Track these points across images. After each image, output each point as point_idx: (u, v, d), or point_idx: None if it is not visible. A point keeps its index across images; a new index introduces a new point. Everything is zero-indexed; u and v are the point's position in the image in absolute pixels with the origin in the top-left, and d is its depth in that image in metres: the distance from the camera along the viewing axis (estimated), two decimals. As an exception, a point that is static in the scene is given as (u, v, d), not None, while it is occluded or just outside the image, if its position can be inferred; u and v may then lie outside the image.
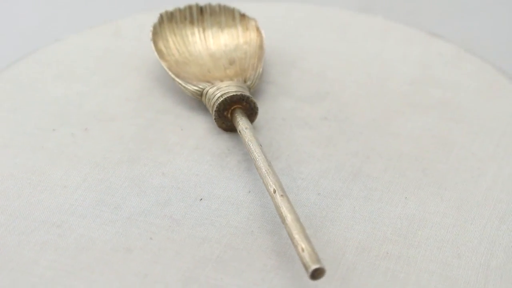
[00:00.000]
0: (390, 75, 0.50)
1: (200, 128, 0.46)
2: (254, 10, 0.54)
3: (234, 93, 0.45)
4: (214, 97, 0.45)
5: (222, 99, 0.44)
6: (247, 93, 0.45)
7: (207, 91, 0.46)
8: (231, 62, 0.49)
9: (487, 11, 0.78)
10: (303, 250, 0.36)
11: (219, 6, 0.52)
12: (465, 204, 0.41)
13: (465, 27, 0.76)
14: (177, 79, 0.47)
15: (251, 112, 0.45)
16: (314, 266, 0.35)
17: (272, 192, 0.39)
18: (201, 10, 0.51)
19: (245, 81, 0.47)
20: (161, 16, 0.50)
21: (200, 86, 0.46)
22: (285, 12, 0.56)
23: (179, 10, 0.51)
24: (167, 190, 0.42)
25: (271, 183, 0.40)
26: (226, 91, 0.45)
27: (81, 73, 0.51)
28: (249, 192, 0.42)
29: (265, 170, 0.40)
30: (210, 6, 0.51)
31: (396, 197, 0.42)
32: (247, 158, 0.44)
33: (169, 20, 0.51)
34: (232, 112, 0.45)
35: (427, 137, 0.45)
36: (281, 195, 0.39)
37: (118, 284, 0.37)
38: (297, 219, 0.38)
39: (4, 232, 0.40)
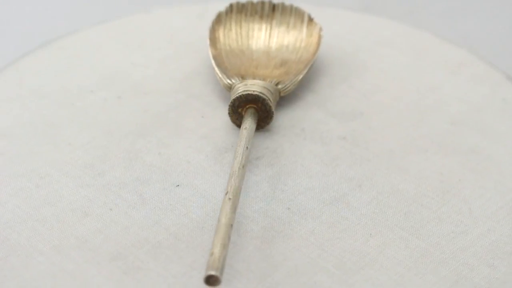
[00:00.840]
0: (436, 110, 0.48)
1: (219, 120, 0.47)
2: (327, 16, 0.53)
3: (251, 93, 0.45)
4: (235, 92, 0.45)
5: (238, 95, 0.45)
6: (265, 96, 0.45)
7: (235, 86, 0.46)
8: (283, 63, 0.49)
9: (491, 12, 0.75)
10: (212, 254, 0.36)
11: (291, 6, 0.51)
12: (427, 257, 0.39)
13: (468, 27, 0.73)
14: (216, 69, 0.48)
15: (266, 115, 0.45)
16: (209, 272, 0.35)
17: (225, 193, 0.39)
18: (273, 7, 0.52)
19: (277, 84, 0.46)
20: (231, 6, 0.51)
21: (232, 80, 0.47)
22: (354, 22, 0.55)
23: (252, 3, 0.52)
24: (153, 170, 0.43)
25: (228, 184, 0.40)
26: (247, 89, 0.45)
27: (146, 46, 0.53)
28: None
29: (233, 172, 0.41)
30: (282, 5, 0.52)
31: (361, 231, 0.40)
32: (252, 156, 0.44)
33: (239, 11, 0.51)
34: (246, 110, 0.45)
35: (434, 181, 0.43)
36: (229, 198, 0.39)
37: (57, 242, 0.40)
38: (228, 225, 0.37)
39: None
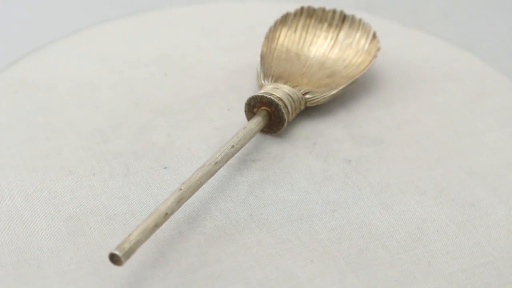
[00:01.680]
0: (462, 156, 0.45)
1: (241, 117, 0.47)
2: (389, 33, 0.51)
3: (266, 95, 0.45)
4: (257, 92, 0.46)
5: (254, 95, 0.45)
6: (281, 102, 0.45)
7: (264, 86, 0.46)
8: (330, 76, 0.49)
9: (489, 12, 0.73)
10: (129, 235, 0.37)
11: (360, 20, 0.51)
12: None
13: (466, 27, 0.72)
14: (258, 67, 0.48)
15: (278, 121, 0.45)
16: (113, 251, 0.36)
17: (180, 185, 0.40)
18: (344, 18, 0.51)
19: (304, 94, 0.46)
20: (301, 9, 0.51)
21: (265, 81, 0.47)
22: (417, 41, 0.52)
23: (323, 10, 0.51)
24: (152, 148, 0.45)
25: (190, 177, 0.40)
26: (266, 92, 0.45)
27: (219, 33, 0.54)
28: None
29: (203, 165, 0.41)
30: (353, 17, 0.51)
31: (305, 255, 0.39)
32: (246, 158, 0.45)
33: (309, 15, 0.51)
34: (259, 112, 0.45)
35: (411, 225, 0.41)
36: (180, 189, 0.40)
37: (31, 191, 0.42)
38: (162, 212, 0.38)
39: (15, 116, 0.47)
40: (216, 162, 0.41)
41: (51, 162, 0.44)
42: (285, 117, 0.45)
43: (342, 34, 0.50)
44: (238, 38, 0.54)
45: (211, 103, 0.48)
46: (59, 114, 0.47)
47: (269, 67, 0.48)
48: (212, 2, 0.58)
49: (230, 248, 0.39)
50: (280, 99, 0.45)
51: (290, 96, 0.45)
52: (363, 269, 0.38)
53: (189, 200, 0.42)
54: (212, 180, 0.43)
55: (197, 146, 0.45)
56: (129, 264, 0.38)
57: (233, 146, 0.42)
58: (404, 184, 0.43)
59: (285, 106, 0.45)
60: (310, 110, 0.47)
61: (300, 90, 0.46)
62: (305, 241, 0.40)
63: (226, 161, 0.42)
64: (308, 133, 0.46)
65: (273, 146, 0.45)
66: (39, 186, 0.43)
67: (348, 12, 0.51)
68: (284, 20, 0.51)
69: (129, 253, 0.36)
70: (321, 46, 0.50)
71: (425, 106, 0.48)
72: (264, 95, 0.45)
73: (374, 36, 0.50)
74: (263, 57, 0.49)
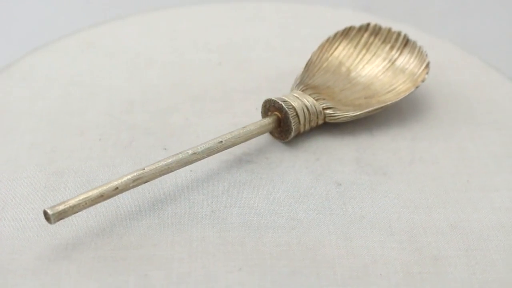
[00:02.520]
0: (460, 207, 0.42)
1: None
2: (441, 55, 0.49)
3: (279, 101, 0.44)
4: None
5: (268, 98, 0.45)
6: (293, 110, 0.44)
7: (291, 93, 0.46)
8: (369, 97, 0.48)
9: (488, 12, 0.72)
10: (70, 199, 0.39)
11: (420, 48, 0.49)
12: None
13: (466, 27, 0.70)
14: (299, 73, 0.48)
15: (287, 129, 0.45)
16: (46, 209, 0.39)
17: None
18: (406, 42, 0.49)
19: (325, 109, 0.45)
20: (367, 25, 0.50)
21: (296, 89, 0.47)
22: (470, 65, 0.49)
23: (389, 30, 0.50)
24: (164, 129, 0.46)
25: (160, 161, 0.42)
26: (283, 97, 0.45)
27: (295, 32, 0.54)
28: (191, 171, 0.44)
29: (180, 152, 0.42)
30: (414, 43, 0.49)
31: (238, 262, 0.39)
32: (243, 158, 0.45)
33: (374, 33, 0.50)
34: (270, 115, 0.45)
35: (361, 262, 0.39)
36: (142, 169, 0.41)
37: (39, 140, 0.45)
38: (111, 187, 0.39)
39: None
40: (194, 153, 0.42)
41: (72, 119, 0.47)
42: (292, 126, 0.44)
43: (400, 58, 0.49)
44: (308, 41, 0.53)
45: (245, 99, 0.48)
46: (106, 79, 0.50)
47: (311, 75, 0.47)
48: (302, 2, 0.57)
49: (174, 237, 0.40)
50: (293, 108, 0.44)
51: (307, 107, 0.44)
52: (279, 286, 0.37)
53: (164, 184, 0.43)
54: (199, 170, 0.44)
55: (207, 136, 0.46)
56: (77, 226, 0.40)
57: (221, 141, 0.43)
58: (378, 221, 0.41)
59: (296, 115, 0.44)
60: (332, 126, 0.46)
61: (322, 104, 0.45)
62: (247, 250, 0.39)
63: (209, 155, 0.42)
64: (317, 148, 0.45)
65: (276, 153, 0.45)
66: (49, 138, 0.46)
67: (410, 36, 0.49)
68: (347, 33, 0.50)
69: (62, 214, 0.38)
70: (377, 67, 0.49)
71: (452, 149, 0.45)
72: (278, 100, 0.44)
73: (427, 66, 0.47)
74: (308, 64, 0.48)
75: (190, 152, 0.42)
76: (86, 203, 0.39)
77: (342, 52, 0.49)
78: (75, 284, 0.37)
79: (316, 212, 0.41)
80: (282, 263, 0.38)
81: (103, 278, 0.38)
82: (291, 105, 0.44)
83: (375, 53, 0.49)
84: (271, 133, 0.45)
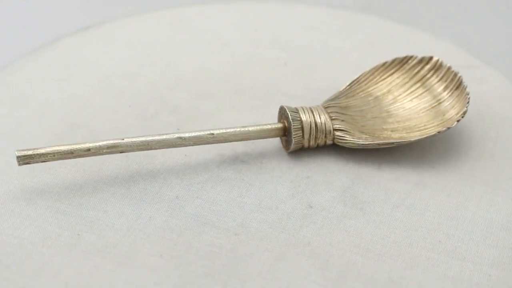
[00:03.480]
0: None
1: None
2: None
3: (289, 111, 0.44)
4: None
5: (283, 106, 0.45)
6: (299, 123, 0.44)
7: (318, 105, 0.46)
8: (395, 131, 0.46)
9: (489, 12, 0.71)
10: (42, 147, 0.42)
11: (467, 94, 0.46)
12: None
13: (466, 27, 0.70)
14: (334, 95, 0.47)
15: (290, 139, 0.45)
16: (16, 150, 0.42)
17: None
18: (458, 85, 0.47)
19: (336, 130, 0.45)
20: (429, 58, 0.48)
21: (325, 103, 0.46)
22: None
23: (448, 68, 0.47)
24: (191, 112, 0.47)
25: (143, 136, 0.43)
26: (300, 109, 0.44)
27: (367, 46, 0.53)
28: (185, 155, 0.45)
29: (164, 133, 0.44)
30: (464, 87, 0.46)
31: (159, 249, 0.40)
32: (239, 156, 0.46)
33: (433, 69, 0.47)
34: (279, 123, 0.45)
35: (272, 286, 0.39)
36: (122, 139, 0.43)
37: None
38: (83, 147, 0.41)
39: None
40: (180, 137, 0.43)
41: (123, 83, 0.50)
42: (293, 138, 0.44)
43: (448, 100, 0.46)
44: (396, 51, 0.51)
45: (283, 102, 0.48)
46: (173, 55, 0.52)
47: (350, 95, 0.46)
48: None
49: (126, 209, 0.41)
50: (300, 121, 0.43)
51: (315, 124, 0.44)
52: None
53: (155, 159, 0.44)
54: (193, 157, 0.44)
55: (218, 125, 0.46)
56: (58, 174, 0.43)
57: (212, 134, 0.43)
58: (320, 252, 0.39)
59: (301, 128, 0.43)
60: (343, 149, 0.45)
61: (335, 125, 0.44)
62: (180, 240, 0.40)
63: (197, 144, 0.43)
64: (315, 166, 0.44)
65: (273, 160, 0.44)
66: (88, 95, 0.49)
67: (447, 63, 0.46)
68: (406, 61, 0.47)
69: (27, 159, 0.41)
70: (424, 103, 0.46)
71: (449, 205, 0.42)
72: (287, 109, 0.44)
73: (464, 114, 0.44)
74: (353, 84, 0.47)
75: (175, 136, 0.43)
76: (54, 155, 0.42)
77: (395, 80, 0.47)
78: (19, 224, 0.40)
79: (268, 226, 0.40)
80: (202, 262, 0.38)
81: (42, 225, 0.40)
82: (299, 117, 0.43)
83: (428, 89, 0.46)
84: (281, 140, 0.45)
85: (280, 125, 0.44)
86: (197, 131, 0.43)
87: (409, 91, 0.46)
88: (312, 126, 0.43)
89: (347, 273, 0.38)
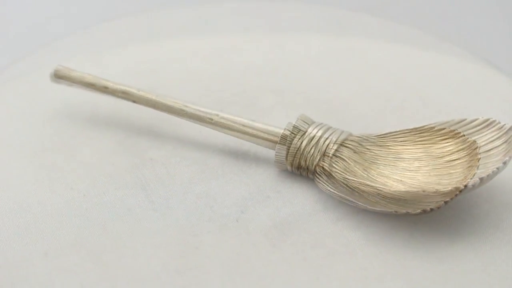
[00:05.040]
0: None
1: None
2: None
3: (298, 124, 0.42)
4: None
5: (302, 116, 0.42)
6: (294, 138, 0.41)
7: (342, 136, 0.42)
8: (403, 183, 0.41)
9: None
10: (75, 71, 0.47)
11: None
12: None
13: (468, 28, 0.69)
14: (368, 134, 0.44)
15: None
16: (55, 66, 0.47)
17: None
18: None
19: (332, 168, 0.41)
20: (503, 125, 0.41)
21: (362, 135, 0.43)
22: None
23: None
24: (238, 102, 0.47)
25: (156, 95, 0.45)
26: (307, 124, 0.42)
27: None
28: (200, 132, 0.47)
29: (173, 98, 0.45)
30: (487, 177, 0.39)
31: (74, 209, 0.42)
32: (238, 153, 0.45)
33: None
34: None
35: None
36: (137, 90, 0.45)
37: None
38: (103, 84, 0.45)
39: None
40: (182, 109, 0.44)
41: (196, 74, 0.51)
42: (275, 155, 0.42)
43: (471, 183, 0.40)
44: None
45: (321, 115, 0.46)
46: (244, 50, 0.52)
47: (386, 139, 0.42)
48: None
49: (114, 166, 0.43)
50: (299, 138, 0.41)
51: (302, 152, 0.41)
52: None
53: (181, 128, 0.45)
54: (210, 138, 0.45)
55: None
56: (91, 104, 0.47)
57: (211, 119, 0.43)
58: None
59: (286, 149, 0.42)
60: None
61: (330, 164, 0.40)
62: (117, 213, 0.40)
63: (196, 121, 0.43)
64: (289, 192, 0.42)
65: (263, 172, 0.43)
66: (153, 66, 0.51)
67: None
68: (429, 131, 0.42)
69: (59, 77, 0.46)
70: (459, 176, 0.40)
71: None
72: (297, 123, 0.41)
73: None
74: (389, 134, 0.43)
75: (181, 104, 0.44)
76: (78, 82, 0.46)
77: (451, 145, 0.41)
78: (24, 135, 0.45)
79: (213, 236, 0.39)
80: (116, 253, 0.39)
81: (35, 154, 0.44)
82: (300, 130, 0.41)
83: (478, 167, 0.40)
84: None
85: (273, 137, 0.42)
86: (202, 108, 0.43)
87: (447, 155, 0.41)
88: (298, 152, 0.41)
89: None
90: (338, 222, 0.40)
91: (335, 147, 0.40)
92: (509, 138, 0.39)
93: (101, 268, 0.37)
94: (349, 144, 0.40)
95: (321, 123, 0.41)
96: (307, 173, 0.41)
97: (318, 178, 0.40)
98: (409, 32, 0.55)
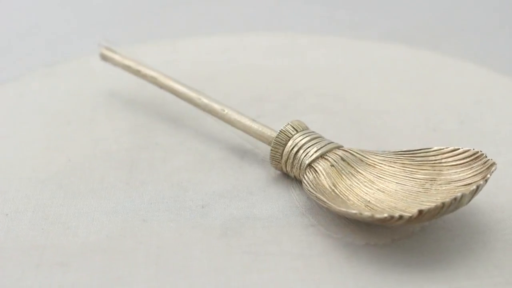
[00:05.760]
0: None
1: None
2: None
3: (288, 126, 0.39)
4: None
5: (295, 121, 0.40)
6: (279, 143, 0.39)
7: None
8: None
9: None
10: (125, 56, 0.48)
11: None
12: None
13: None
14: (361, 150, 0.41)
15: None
16: (103, 43, 0.48)
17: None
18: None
19: (309, 180, 0.38)
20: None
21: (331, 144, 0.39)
22: None
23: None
24: (274, 101, 0.47)
25: (181, 84, 0.44)
26: (295, 129, 0.40)
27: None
28: (215, 121, 0.45)
29: (194, 89, 0.44)
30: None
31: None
32: (238, 150, 0.43)
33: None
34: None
35: None
36: (166, 77, 0.44)
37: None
38: (144, 73, 0.45)
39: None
40: (198, 100, 0.43)
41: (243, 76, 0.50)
42: (271, 150, 0.40)
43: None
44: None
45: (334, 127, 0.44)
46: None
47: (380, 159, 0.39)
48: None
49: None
50: (282, 143, 0.39)
51: (293, 152, 0.39)
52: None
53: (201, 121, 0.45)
54: (215, 132, 0.44)
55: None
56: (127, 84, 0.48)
57: (224, 110, 0.42)
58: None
59: (280, 151, 0.39)
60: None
61: (308, 183, 0.37)
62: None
63: (209, 113, 0.42)
64: (286, 195, 0.39)
65: (262, 172, 0.41)
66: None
67: None
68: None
69: (105, 58, 0.47)
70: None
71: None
72: (285, 128, 0.39)
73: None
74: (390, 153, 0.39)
75: (197, 96, 0.43)
76: (120, 64, 0.46)
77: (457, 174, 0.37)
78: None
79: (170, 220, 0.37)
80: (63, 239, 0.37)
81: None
82: (290, 136, 0.39)
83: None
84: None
85: (266, 139, 0.40)
86: (217, 101, 0.42)
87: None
88: (291, 154, 0.39)
89: None
90: (309, 228, 0.37)
91: (312, 157, 0.38)
92: (488, 173, 0.35)
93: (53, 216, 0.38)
94: (329, 157, 0.38)
95: (310, 132, 0.39)
96: (294, 177, 0.39)
97: (306, 181, 0.38)
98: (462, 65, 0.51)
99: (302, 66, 0.51)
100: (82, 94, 0.48)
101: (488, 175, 0.34)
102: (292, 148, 0.39)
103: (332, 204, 0.35)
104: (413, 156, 0.38)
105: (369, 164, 0.38)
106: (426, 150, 0.38)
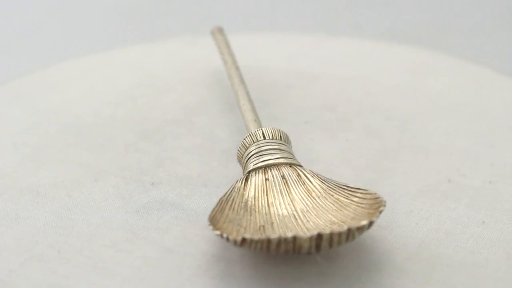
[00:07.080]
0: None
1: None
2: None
3: (252, 133, 0.41)
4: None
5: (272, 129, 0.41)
6: (244, 145, 0.41)
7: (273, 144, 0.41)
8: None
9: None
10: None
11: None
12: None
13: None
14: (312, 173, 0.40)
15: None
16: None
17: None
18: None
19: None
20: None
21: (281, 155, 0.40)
22: None
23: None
24: (299, 102, 0.50)
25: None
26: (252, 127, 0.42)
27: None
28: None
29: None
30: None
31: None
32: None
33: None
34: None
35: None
36: (232, 64, 0.47)
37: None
38: (230, 63, 0.47)
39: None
40: (240, 81, 0.45)
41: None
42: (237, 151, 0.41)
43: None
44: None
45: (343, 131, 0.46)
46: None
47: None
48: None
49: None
50: (246, 148, 0.40)
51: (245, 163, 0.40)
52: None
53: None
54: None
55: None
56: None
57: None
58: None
59: (242, 156, 0.41)
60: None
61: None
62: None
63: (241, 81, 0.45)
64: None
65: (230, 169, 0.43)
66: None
67: None
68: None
69: (213, 33, 0.51)
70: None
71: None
72: (259, 131, 0.40)
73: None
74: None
75: (239, 81, 0.45)
76: (217, 46, 0.50)
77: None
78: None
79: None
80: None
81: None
82: (255, 141, 0.40)
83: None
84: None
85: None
86: (238, 82, 0.45)
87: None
88: (246, 158, 0.40)
89: None
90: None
91: (255, 166, 0.39)
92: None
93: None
94: (270, 171, 0.39)
95: (278, 142, 0.40)
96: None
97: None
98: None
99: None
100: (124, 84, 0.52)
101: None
102: (249, 153, 0.40)
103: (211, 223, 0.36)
104: (350, 193, 0.37)
105: (308, 189, 0.38)
106: (364, 191, 0.37)
